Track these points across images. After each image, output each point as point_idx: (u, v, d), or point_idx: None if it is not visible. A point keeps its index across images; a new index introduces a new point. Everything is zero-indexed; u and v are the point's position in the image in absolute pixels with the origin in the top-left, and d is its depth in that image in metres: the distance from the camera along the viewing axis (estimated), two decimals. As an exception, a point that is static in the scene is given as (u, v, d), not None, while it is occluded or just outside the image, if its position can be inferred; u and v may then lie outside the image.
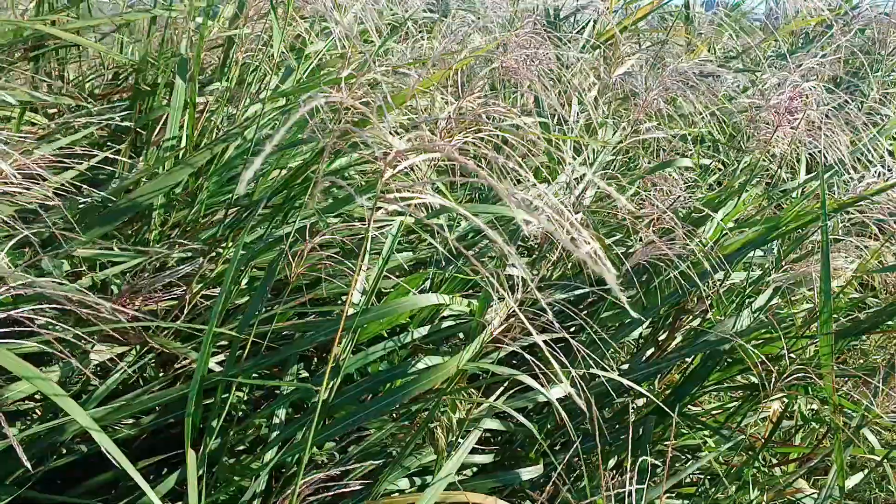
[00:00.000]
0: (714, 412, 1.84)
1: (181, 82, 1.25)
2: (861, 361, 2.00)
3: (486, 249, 1.47)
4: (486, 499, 1.15)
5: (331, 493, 1.21)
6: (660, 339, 1.80)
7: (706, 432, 1.77)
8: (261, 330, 1.08)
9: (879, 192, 1.47)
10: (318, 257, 1.00)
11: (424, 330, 1.22)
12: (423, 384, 0.99)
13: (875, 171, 1.49)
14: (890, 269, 1.72)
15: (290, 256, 0.96)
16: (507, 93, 1.68)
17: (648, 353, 1.80)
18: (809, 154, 1.54)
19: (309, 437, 0.84)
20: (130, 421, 1.19)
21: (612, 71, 1.73)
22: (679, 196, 1.49)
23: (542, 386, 1.07)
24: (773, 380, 1.42)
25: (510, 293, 1.00)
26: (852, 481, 1.65)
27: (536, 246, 1.66)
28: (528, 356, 1.03)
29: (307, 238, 0.94)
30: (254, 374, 1.28)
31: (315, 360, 1.43)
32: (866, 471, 1.81)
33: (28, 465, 0.79)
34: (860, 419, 1.48)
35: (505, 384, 1.33)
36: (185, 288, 1.07)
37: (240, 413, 1.45)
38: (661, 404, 1.38)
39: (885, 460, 1.48)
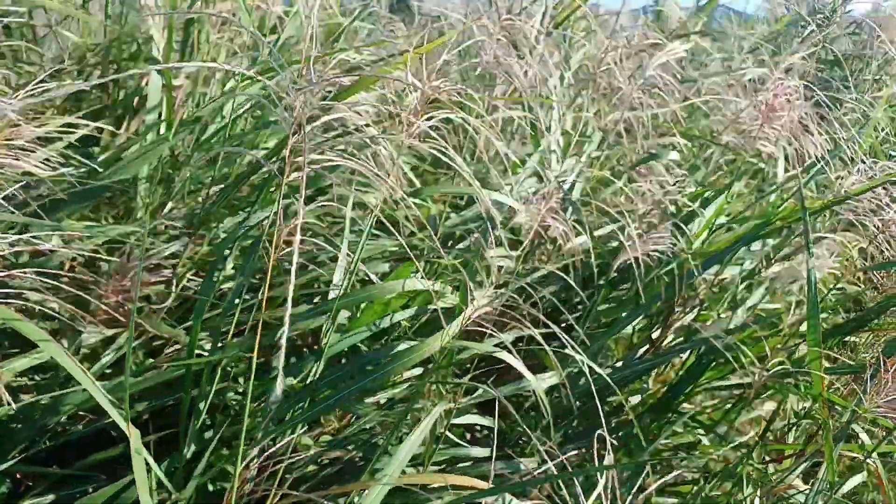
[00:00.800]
0: (708, 410, 1.85)
1: (156, 76, 1.28)
2: (853, 361, 2.00)
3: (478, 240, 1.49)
4: (475, 482, 1.16)
5: (318, 479, 1.23)
6: (653, 335, 1.81)
7: (700, 430, 1.77)
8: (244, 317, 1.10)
9: (862, 192, 1.49)
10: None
11: (409, 312, 1.24)
12: (406, 361, 1.01)
13: (857, 169, 1.51)
14: (882, 266, 1.73)
15: (267, 243, 0.97)
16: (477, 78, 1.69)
17: (643, 349, 1.81)
18: (794, 150, 1.57)
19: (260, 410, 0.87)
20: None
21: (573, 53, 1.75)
22: (668, 191, 1.52)
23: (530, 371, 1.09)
24: (758, 376, 1.43)
25: (487, 280, 1.03)
26: (850, 484, 1.64)
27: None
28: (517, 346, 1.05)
29: (281, 221, 0.96)
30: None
31: (305, 348, 1.45)
32: (864, 473, 1.81)
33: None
34: (850, 415, 1.49)
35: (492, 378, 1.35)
36: (172, 271, 1.10)
37: (236, 406, 1.47)
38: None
39: (876, 455, 1.48)
